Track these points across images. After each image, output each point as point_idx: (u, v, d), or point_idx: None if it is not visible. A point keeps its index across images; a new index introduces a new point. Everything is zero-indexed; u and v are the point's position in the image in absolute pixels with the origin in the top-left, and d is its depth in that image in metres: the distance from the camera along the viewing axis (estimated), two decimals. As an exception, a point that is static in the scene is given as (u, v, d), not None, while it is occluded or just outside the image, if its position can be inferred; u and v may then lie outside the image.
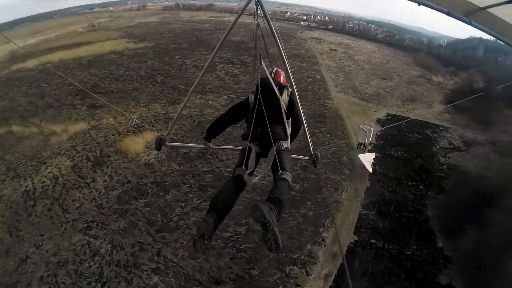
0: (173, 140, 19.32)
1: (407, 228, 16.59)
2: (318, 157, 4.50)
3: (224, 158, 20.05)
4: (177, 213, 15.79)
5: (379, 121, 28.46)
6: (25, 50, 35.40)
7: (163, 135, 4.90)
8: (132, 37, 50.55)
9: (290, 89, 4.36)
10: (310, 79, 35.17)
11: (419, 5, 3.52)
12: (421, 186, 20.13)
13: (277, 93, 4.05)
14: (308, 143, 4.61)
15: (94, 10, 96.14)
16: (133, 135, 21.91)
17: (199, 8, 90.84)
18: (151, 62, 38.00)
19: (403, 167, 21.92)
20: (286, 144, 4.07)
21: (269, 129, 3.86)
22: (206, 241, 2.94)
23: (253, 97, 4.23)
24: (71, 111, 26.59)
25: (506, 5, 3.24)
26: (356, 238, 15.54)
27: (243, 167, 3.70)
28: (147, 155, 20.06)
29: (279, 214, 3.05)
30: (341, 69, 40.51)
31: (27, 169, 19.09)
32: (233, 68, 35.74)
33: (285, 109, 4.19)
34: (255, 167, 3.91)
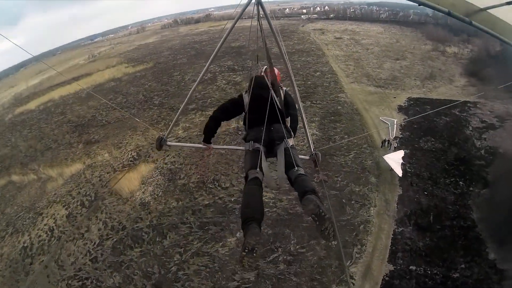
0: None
1: (452, 241, 13.54)
2: (319, 157, 4.26)
3: (228, 185, 17.60)
4: (176, 262, 13.53)
5: (400, 108, 25.46)
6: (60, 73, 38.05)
7: (164, 135, 4.57)
8: (131, 61, 49.57)
9: (284, 88, 4.21)
10: (318, 73, 32.73)
11: (419, 5, 3.35)
12: (461, 182, 16.84)
13: (272, 92, 3.88)
14: (309, 143, 4.50)
15: (95, 40, 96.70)
16: (128, 172, 20.06)
17: (197, 21, 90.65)
18: (149, 84, 36.48)
19: (437, 161, 18.63)
20: (291, 141, 3.80)
21: (273, 127, 3.75)
22: (255, 254, 2.68)
23: (247, 96, 4.05)
24: (68, 150, 25.22)
25: (506, 6, 3.14)
26: (392, 268, 12.53)
27: (258, 169, 3.37)
28: (143, 192, 18.05)
29: (322, 204, 2.82)
30: (349, 57, 37.99)
31: (25, 223, 18.05)
32: (234, 76, 33.67)
33: (282, 108, 3.94)
34: (268, 166, 3.55)
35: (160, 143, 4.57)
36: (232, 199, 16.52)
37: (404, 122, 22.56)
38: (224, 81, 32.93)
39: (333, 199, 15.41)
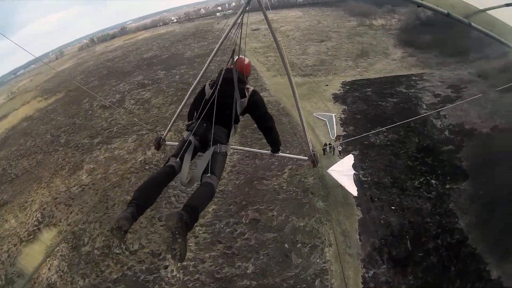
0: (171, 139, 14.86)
1: (442, 270, 9.91)
2: (317, 157, 4.05)
3: (136, 247, 12.93)
4: None
5: (336, 97, 21.67)
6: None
7: (162, 135, 4.45)
8: (46, 92, 42.91)
9: (251, 88, 3.86)
10: None
11: (418, 6, 3.47)
12: (433, 181, 13.02)
13: (237, 93, 3.67)
14: (307, 143, 4.21)
15: (18, 74, 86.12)
16: (32, 241, 16.04)
17: (113, 36, 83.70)
18: (58, 118, 30.61)
19: (396, 157, 14.73)
20: (225, 148, 3.60)
21: (215, 128, 3.53)
22: (123, 233, 2.73)
23: (210, 89, 3.86)
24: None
25: (505, 7, 3.34)
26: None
27: (178, 159, 3.37)
28: (49, 269, 13.95)
29: (192, 224, 2.82)
30: (269, 48, 34.28)
31: None
32: (143, 92, 28.94)
33: (239, 112, 3.74)
34: (190, 161, 3.46)
35: (159, 143, 4.45)
36: (144, 267, 12.02)
37: (343, 114, 19.03)
38: (132, 101, 28.01)
39: (271, 246, 10.98)
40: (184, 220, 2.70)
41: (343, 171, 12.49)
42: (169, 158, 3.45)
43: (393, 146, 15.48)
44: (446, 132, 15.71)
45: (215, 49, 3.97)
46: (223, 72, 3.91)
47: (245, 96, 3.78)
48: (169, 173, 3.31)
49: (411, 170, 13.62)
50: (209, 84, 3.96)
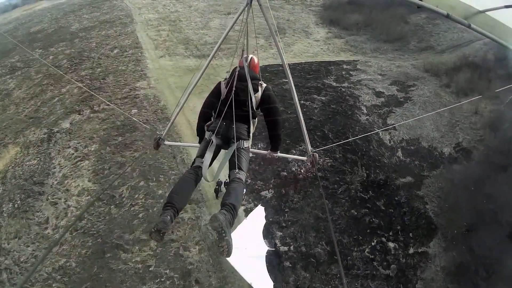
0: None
1: None
2: (317, 157, 4.82)
3: None
4: None
5: None
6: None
7: (161, 135, 5.12)
8: None
9: (264, 84, 4.74)
10: (116, 50, 26.02)
11: (418, 7, 3.88)
12: (390, 244, 10.98)
13: (251, 92, 4.50)
14: (306, 143, 4.91)
15: None
16: None
17: (14, 6, 77.27)
18: None
19: (334, 202, 12.20)
20: (247, 143, 4.43)
21: (234, 126, 4.29)
22: (162, 235, 3.41)
23: (225, 87, 4.69)
24: None
25: (505, 8, 3.67)
26: None
27: (203, 160, 4.12)
28: None
29: (233, 220, 3.51)
30: (165, 20, 33.07)
31: None
32: (10, 80, 24.54)
33: (255, 108, 4.60)
34: (213, 159, 4.34)
35: (158, 143, 5.09)
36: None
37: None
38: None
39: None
40: (227, 219, 3.37)
41: (250, 251, 9.17)
42: (194, 159, 4.27)
43: (326, 179, 13.00)
44: (399, 153, 14.17)
45: (215, 49, 4.84)
46: (236, 71, 4.70)
47: (258, 91, 4.62)
48: (198, 174, 4.08)
49: (357, 226, 11.31)
50: (225, 83, 4.75)
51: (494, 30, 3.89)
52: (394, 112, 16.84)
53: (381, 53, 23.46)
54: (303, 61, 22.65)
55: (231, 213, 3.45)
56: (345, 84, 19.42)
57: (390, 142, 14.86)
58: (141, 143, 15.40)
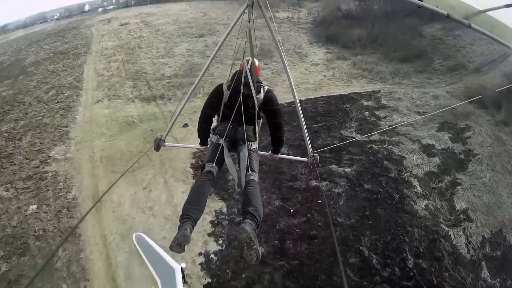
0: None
1: None
2: (317, 159, 4.88)
3: None
4: None
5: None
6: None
7: (162, 136, 5.25)
8: None
9: (266, 87, 4.80)
10: (52, 92, 21.01)
11: (418, 7, 4.02)
12: None
13: (253, 92, 4.57)
14: (306, 145, 4.98)
15: None
16: None
17: None
18: None
19: None
20: (255, 144, 4.52)
21: (244, 128, 4.38)
22: (183, 247, 3.42)
23: (227, 89, 4.71)
24: None
25: (505, 8, 3.81)
26: None
27: (214, 164, 4.18)
28: None
29: (258, 225, 3.55)
30: (122, 47, 28.79)
31: None
32: None
33: (258, 109, 4.68)
34: (222, 163, 4.37)
35: (158, 144, 5.21)
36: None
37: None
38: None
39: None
40: (253, 228, 3.39)
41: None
42: (204, 165, 4.20)
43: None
44: (485, 271, 8.62)
45: (216, 49, 4.94)
46: (236, 74, 4.75)
47: (260, 92, 4.66)
48: (211, 180, 4.05)
49: None
50: (227, 86, 4.70)
51: (495, 29, 3.97)
52: (460, 184, 11.18)
53: (402, 77, 19.10)
54: (303, 98, 16.79)
55: (255, 220, 3.50)
56: (376, 137, 13.52)
57: (468, 251, 9.16)
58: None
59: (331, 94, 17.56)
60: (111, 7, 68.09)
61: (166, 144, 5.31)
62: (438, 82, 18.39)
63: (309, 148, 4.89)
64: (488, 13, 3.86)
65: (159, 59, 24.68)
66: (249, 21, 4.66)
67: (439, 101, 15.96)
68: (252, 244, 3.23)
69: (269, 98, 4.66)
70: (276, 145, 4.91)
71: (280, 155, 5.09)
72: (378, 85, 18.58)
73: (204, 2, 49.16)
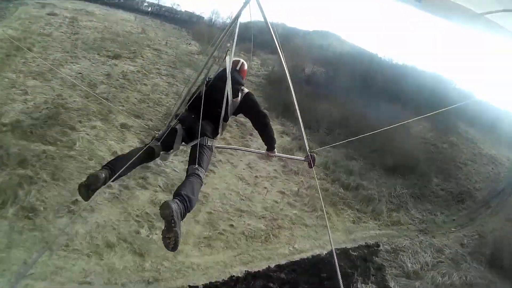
0: None
1: None
2: (314, 158, 4.84)
3: None
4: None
5: None
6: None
7: (157, 134, 4.82)
8: None
9: (245, 90, 4.78)
10: None
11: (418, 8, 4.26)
12: None
13: (230, 94, 4.46)
14: (304, 144, 4.94)
15: None
16: None
17: None
18: None
19: None
20: (211, 142, 4.42)
21: (204, 122, 4.25)
22: (90, 192, 3.43)
23: (207, 85, 4.66)
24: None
25: (504, 12, 3.70)
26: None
27: (159, 143, 4.19)
28: None
29: (186, 212, 3.44)
30: (16, 41, 19.37)
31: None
32: None
33: (231, 112, 4.59)
34: (174, 149, 4.39)
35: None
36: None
37: None
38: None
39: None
40: (180, 209, 3.24)
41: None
42: (152, 140, 4.34)
43: None
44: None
45: (215, 48, 4.79)
46: (219, 70, 4.75)
47: (237, 96, 4.62)
48: (149, 153, 4.07)
49: None
50: (206, 82, 4.68)
51: (494, 32, 4.01)
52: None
53: (397, 206, 15.18)
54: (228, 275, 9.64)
55: (184, 204, 3.35)
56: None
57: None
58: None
59: (297, 258, 10.77)
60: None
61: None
62: (445, 222, 15.37)
63: (307, 147, 4.87)
64: (486, 16, 3.83)
65: (26, 80, 15.86)
66: (238, 18, 4.52)
67: (456, 265, 12.33)
68: (173, 225, 3.11)
69: (247, 103, 4.68)
70: (268, 143, 4.86)
71: (278, 154, 5.11)
72: (372, 230, 13.69)
73: (154, 20, 43.96)
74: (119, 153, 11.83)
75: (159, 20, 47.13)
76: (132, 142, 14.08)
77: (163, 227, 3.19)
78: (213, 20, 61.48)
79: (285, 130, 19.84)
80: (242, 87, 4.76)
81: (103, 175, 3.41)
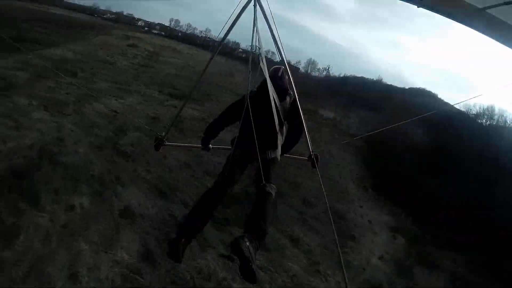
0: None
1: None
2: (318, 158, 4.54)
3: None
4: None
5: None
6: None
7: (162, 135, 5.07)
8: None
9: (292, 94, 4.70)
10: None
11: (418, 7, 4.00)
12: None
13: (276, 100, 4.31)
14: (307, 144, 4.68)
15: None
16: None
17: None
18: None
19: None
20: (275, 153, 4.34)
21: (263, 137, 4.07)
22: (180, 258, 3.47)
23: (250, 98, 4.35)
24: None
25: (505, 6, 3.57)
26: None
27: (228, 176, 4.04)
28: None
29: (260, 244, 3.24)
30: (71, 63, 20.57)
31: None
32: None
33: (283, 117, 4.47)
34: (241, 174, 4.29)
35: (158, 144, 5.02)
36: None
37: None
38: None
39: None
40: (253, 248, 3.03)
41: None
42: (218, 177, 4.04)
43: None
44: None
45: (217, 48, 5.03)
46: (263, 82, 4.44)
47: (285, 99, 4.51)
48: (219, 194, 3.85)
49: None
50: (249, 96, 4.29)
51: (495, 28, 3.90)
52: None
53: None
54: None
55: (258, 236, 3.18)
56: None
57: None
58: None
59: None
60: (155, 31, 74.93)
61: (167, 143, 5.21)
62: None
63: (310, 147, 4.64)
64: (488, 10, 3.69)
65: (35, 109, 13.51)
66: (254, 20, 4.36)
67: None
68: (250, 264, 2.97)
69: (295, 109, 4.45)
70: (286, 149, 4.69)
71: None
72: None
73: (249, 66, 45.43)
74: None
75: (226, 57, 47.27)
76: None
77: (239, 264, 3.08)
78: (308, 71, 64.99)
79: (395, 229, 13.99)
80: (289, 91, 4.66)
81: (181, 248, 3.40)
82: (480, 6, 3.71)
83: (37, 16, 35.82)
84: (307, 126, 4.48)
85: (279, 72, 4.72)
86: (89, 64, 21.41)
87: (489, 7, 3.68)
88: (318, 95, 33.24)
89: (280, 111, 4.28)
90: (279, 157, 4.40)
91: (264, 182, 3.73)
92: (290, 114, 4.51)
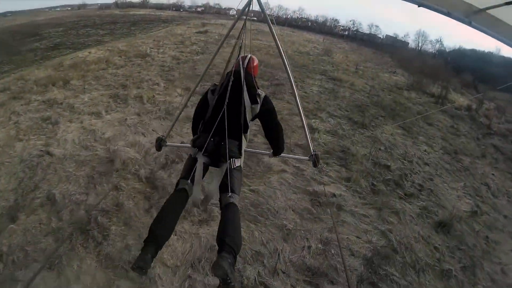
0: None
1: None
2: (319, 157, 4.60)
3: None
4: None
5: None
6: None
7: (163, 136, 4.94)
8: None
9: (263, 94, 4.07)
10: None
11: (418, 6, 3.99)
12: None
13: (247, 100, 3.91)
14: (308, 143, 4.71)
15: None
16: None
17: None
18: None
19: None
20: (239, 162, 3.95)
21: (225, 141, 3.78)
22: (144, 271, 3.10)
23: (212, 95, 4.12)
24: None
25: (506, 6, 3.60)
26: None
27: (189, 181, 3.72)
28: None
29: (235, 260, 3.13)
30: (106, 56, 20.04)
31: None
32: None
33: (250, 119, 4.00)
34: (202, 177, 3.89)
35: (160, 144, 4.88)
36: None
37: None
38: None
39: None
40: (231, 263, 2.95)
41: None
42: (179, 181, 3.78)
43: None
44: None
45: (218, 47, 4.41)
46: (229, 75, 4.05)
47: (257, 102, 3.97)
48: (183, 198, 3.62)
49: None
50: (211, 91, 4.14)
51: (495, 28, 3.92)
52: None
53: None
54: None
55: (233, 254, 3.07)
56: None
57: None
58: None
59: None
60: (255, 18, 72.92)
61: (168, 144, 5.06)
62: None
63: (311, 146, 4.63)
64: (488, 11, 3.73)
65: (18, 131, 6.25)
66: (247, 14, 4.13)
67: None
68: (229, 281, 2.91)
69: (267, 112, 4.02)
70: (276, 151, 4.38)
71: (282, 155, 4.59)
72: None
73: (352, 44, 44.64)
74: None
75: (355, 43, 46.53)
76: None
77: (219, 285, 3.00)
78: (419, 45, 54.39)
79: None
80: (259, 91, 4.03)
81: (150, 256, 3.09)
82: (480, 7, 3.75)
83: (113, 19, 40.99)
84: (306, 125, 4.43)
85: (245, 61, 4.14)
86: (124, 59, 20.33)
87: (489, 8, 3.70)
88: (440, 76, 26.77)
89: (247, 114, 3.92)
90: (242, 165, 4.02)
91: (229, 193, 3.56)
92: (260, 117, 4.05)
